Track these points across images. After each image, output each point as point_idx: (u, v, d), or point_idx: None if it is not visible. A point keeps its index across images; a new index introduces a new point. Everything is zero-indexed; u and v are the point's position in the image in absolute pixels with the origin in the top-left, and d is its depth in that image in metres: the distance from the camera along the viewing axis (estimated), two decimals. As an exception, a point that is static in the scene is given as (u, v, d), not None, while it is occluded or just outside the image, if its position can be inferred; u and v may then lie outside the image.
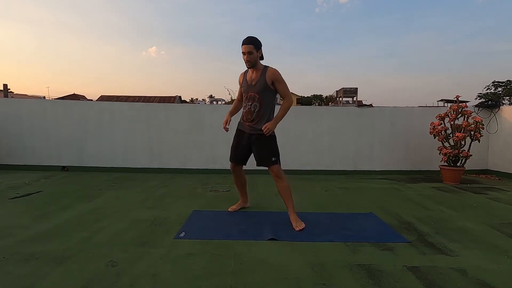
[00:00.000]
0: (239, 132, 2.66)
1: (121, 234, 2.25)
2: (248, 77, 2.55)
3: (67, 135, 4.92)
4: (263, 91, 2.47)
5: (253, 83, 2.49)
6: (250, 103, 2.51)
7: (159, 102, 23.24)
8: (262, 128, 2.39)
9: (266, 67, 2.50)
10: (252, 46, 2.39)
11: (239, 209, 2.90)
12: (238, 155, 2.67)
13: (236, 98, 2.82)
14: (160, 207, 2.96)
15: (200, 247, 2.04)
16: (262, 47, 2.47)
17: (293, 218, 2.48)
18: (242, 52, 2.42)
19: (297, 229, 2.37)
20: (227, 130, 2.63)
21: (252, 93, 2.51)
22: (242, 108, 2.63)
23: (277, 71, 2.47)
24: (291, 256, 1.93)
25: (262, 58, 2.51)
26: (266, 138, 2.48)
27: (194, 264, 1.80)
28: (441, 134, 4.44)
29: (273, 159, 2.50)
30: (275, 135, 2.57)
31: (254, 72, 2.49)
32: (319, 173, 4.95)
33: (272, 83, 2.46)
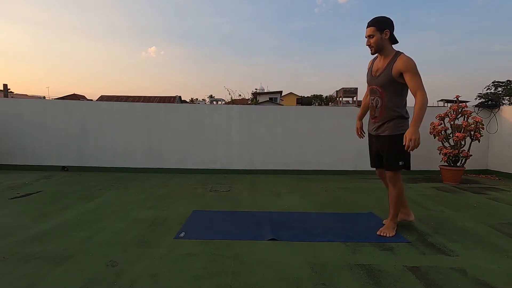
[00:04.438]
0: (369, 136, 2.42)
1: (121, 234, 2.25)
2: (374, 66, 2.23)
3: (67, 135, 4.92)
4: (387, 84, 2.13)
5: (377, 74, 2.18)
6: (373, 98, 2.24)
7: (159, 102, 23.25)
8: (404, 143, 2.05)
9: (397, 53, 2.12)
10: (374, 28, 2.08)
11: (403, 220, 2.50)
12: (376, 159, 2.41)
13: (364, 94, 2.52)
14: (160, 207, 2.96)
15: (200, 247, 2.04)
16: (392, 28, 2.11)
17: (387, 225, 2.33)
18: (365, 37, 2.15)
19: (381, 233, 2.28)
20: (362, 136, 2.55)
21: (374, 86, 2.21)
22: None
23: (410, 60, 2.05)
24: (291, 256, 1.93)
25: (394, 41, 2.14)
26: (392, 141, 2.19)
27: (194, 264, 1.80)
28: (441, 134, 4.44)
29: (400, 163, 2.19)
30: (402, 135, 2.14)
31: (382, 59, 2.16)
32: (319, 173, 4.95)
33: (401, 75, 2.07)
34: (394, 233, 2.29)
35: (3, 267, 1.72)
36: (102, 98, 26.39)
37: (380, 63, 2.19)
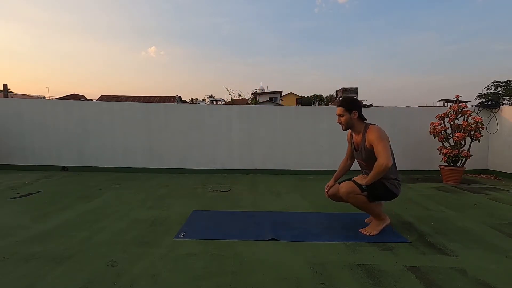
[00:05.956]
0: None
1: (121, 234, 2.25)
2: (354, 139, 2.41)
3: (67, 135, 4.93)
4: (369, 158, 2.25)
5: (358, 149, 2.36)
6: (362, 169, 2.43)
7: (159, 102, 23.25)
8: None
9: (366, 126, 2.29)
10: (342, 109, 2.29)
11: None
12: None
13: (344, 158, 2.64)
14: (160, 207, 2.96)
15: (200, 247, 2.04)
16: (359, 109, 2.30)
17: (371, 224, 2.38)
18: (336, 115, 2.36)
19: (365, 232, 2.32)
20: (327, 196, 2.48)
21: (359, 160, 2.40)
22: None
23: (376, 132, 2.19)
24: (291, 256, 1.93)
25: (363, 119, 2.33)
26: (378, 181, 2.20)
27: (194, 264, 1.80)
28: (441, 134, 4.44)
29: (364, 187, 2.20)
30: (387, 186, 2.23)
31: (356, 135, 2.36)
32: (319, 173, 4.95)
33: (372, 146, 2.21)
34: (377, 232, 2.29)
35: (3, 267, 1.72)
36: (102, 98, 26.39)
37: (357, 138, 2.36)
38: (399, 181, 2.31)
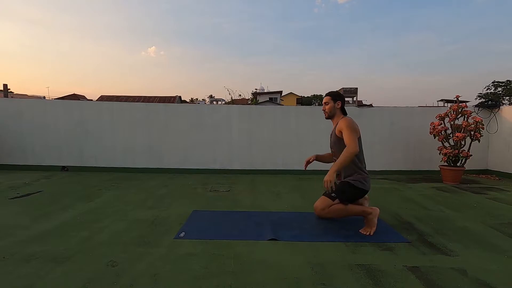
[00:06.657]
0: None
1: (121, 234, 2.25)
2: (332, 129, 2.62)
3: (67, 135, 4.93)
4: (336, 144, 2.50)
5: (330, 137, 2.62)
6: (334, 158, 2.61)
7: (159, 102, 23.26)
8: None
9: (342, 117, 2.51)
10: (329, 98, 2.58)
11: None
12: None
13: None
14: (160, 207, 2.96)
15: (200, 247, 2.04)
16: (343, 102, 2.57)
17: (366, 224, 2.37)
18: (323, 103, 2.65)
19: (364, 232, 2.32)
20: (304, 168, 2.79)
21: (330, 147, 2.64)
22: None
23: (346, 121, 2.40)
24: (291, 256, 1.93)
25: (344, 112, 2.57)
26: (342, 182, 2.44)
27: (194, 264, 1.80)
28: (441, 134, 4.44)
29: (333, 194, 2.39)
30: (352, 185, 2.38)
31: (333, 125, 2.60)
32: (319, 173, 4.93)
33: (341, 133, 2.39)
34: (375, 228, 2.32)
35: (3, 267, 1.72)
36: (102, 98, 26.42)
37: (333, 128, 2.58)
38: (366, 175, 2.45)
